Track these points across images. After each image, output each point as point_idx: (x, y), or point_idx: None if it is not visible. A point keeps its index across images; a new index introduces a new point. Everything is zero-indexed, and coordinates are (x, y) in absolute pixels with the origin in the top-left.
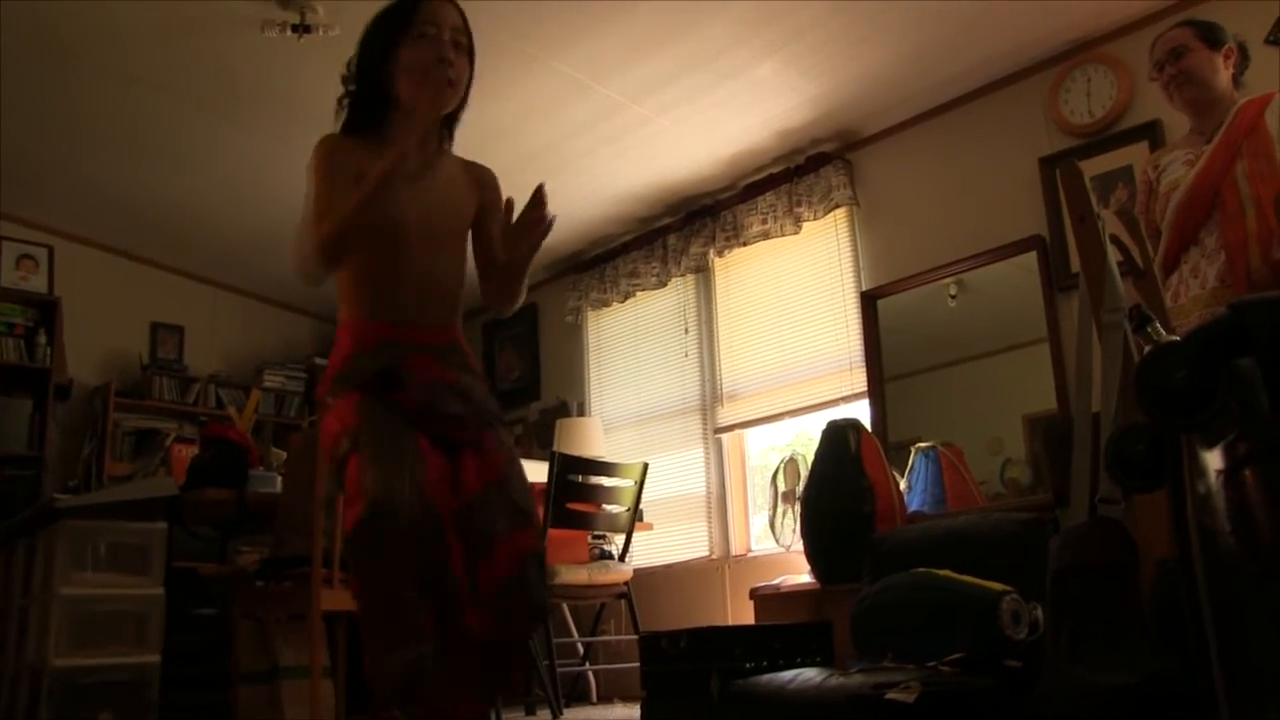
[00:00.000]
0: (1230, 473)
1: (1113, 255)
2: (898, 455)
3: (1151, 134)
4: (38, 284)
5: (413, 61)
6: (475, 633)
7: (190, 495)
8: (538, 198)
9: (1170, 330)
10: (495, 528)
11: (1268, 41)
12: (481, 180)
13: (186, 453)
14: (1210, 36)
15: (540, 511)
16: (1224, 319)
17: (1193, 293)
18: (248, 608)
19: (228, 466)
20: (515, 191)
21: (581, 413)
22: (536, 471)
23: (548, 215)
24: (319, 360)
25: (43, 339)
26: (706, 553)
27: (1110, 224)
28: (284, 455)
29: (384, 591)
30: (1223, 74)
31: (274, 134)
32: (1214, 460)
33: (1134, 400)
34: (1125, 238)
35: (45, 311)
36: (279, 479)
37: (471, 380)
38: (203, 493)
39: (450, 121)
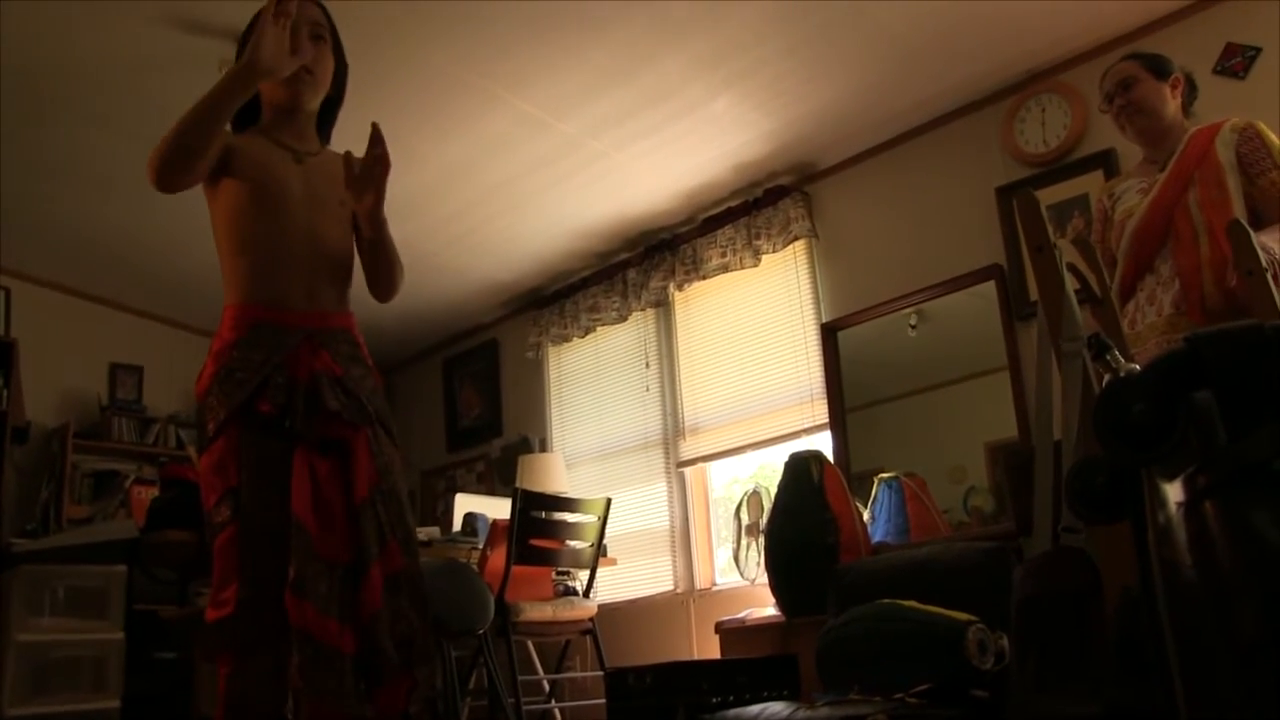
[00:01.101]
0: (1190, 505)
1: (1070, 284)
2: (861, 486)
3: (1106, 163)
4: None
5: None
6: (346, 650)
7: (150, 537)
8: (375, 135)
9: (1129, 358)
10: (369, 550)
11: (1216, 71)
12: (355, 161)
13: (146, 494)
14: (1157, 68)
15: (503, 548)
16: (1180, 352)
17: (1149, 320)
18: (209, 651)
19: (188, 507)
20: (471, 225)
21: (543, 448)
22: (499, 508)
23: (385, 153)
24: None
25: None
26: (671, 587)
27: (1067, 253)
28: None
29: (251, 691)
30: (1171, 104)
31: None
32: (1174, 493)
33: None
34: (1082, 266)
35: (2, 353)
36: None
37: (362, 373)
38: (163, 534)
39: (325, 120)
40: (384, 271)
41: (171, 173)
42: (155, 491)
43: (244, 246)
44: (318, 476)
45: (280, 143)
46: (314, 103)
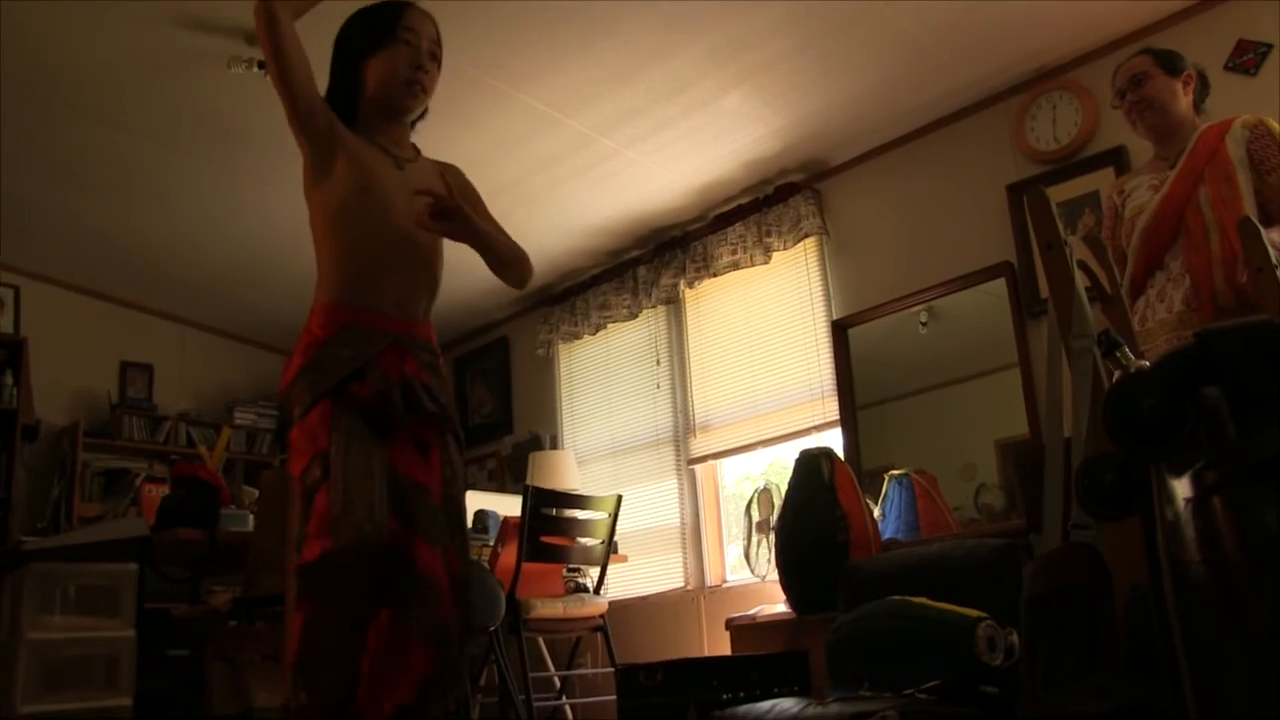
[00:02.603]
0: (1199, 501)
1: (1080, 281)
2: (871, 483)
3: (1117, 160)
4: (4, 324)
5: (390, 64)
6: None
7: (161, 535)
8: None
9: (1139, 355)
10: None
11: (1227, 68)
12: (449, 172)
13: (157, 492)
14: (1169, 64)
15: (514, 545)
16: (1190, 348)
17: (1159, 316)
18: (221, 649)
19: (199, 506)
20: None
21: (554, 446)
22: (510, 505)
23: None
24: None
25: (9, 380)
26: (682, 584)
27: (1078, 250)
28: (255, 493)
29: (328, 637)
30: (1183, 100)
31: (240, 170)
32: (1182, 489)
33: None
34: (1092, 263)
35: (12, 352)
36: (251, 517)
37: (439, 383)
38: (174, 533)
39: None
40: (504, 265)
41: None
42: (166, 490)
43: (345, 247)
44: (412, 464)
45: (382, 146)
46: (417, 112)
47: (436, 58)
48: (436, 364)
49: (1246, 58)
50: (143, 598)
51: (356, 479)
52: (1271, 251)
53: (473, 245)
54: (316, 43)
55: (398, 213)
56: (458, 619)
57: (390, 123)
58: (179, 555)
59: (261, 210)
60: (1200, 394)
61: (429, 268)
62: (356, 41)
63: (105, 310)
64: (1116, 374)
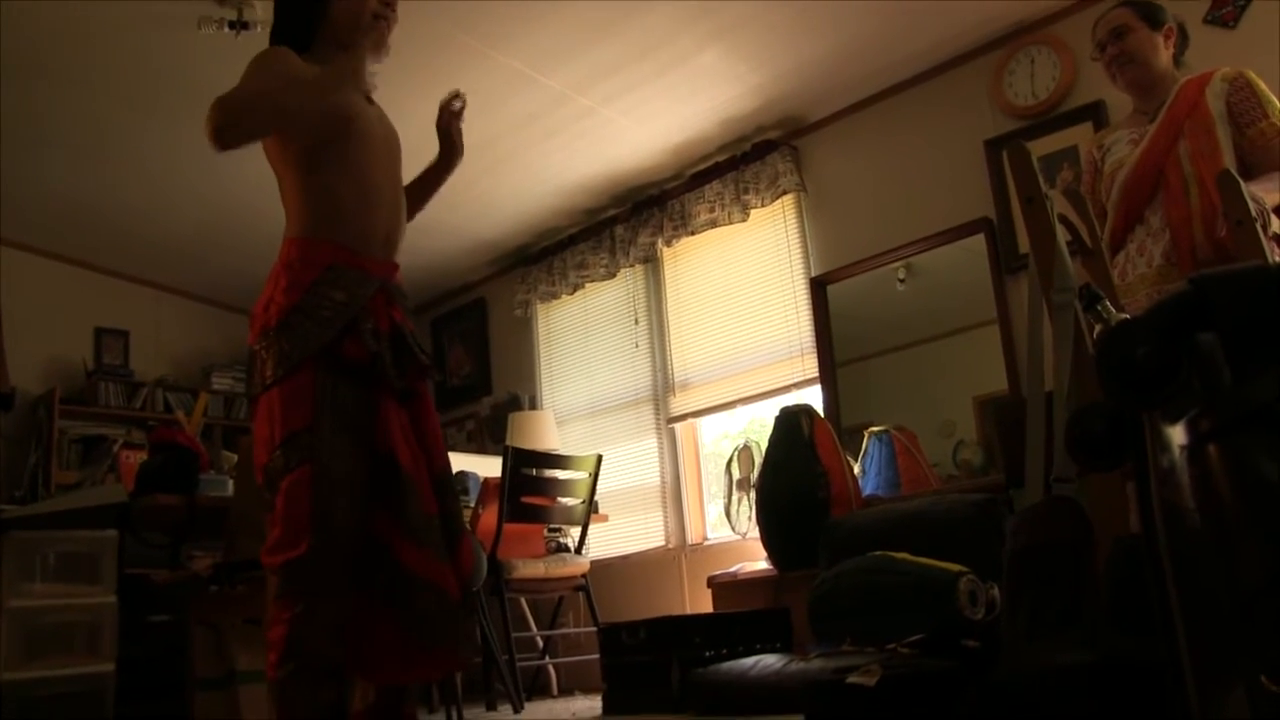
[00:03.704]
0: (1194, 449)
1: (1061, 235)
2: (851, 440)
3: (1095, 114)
4: None
5: (359, 3)
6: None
7: (140, 502)
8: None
9: (1119, 309)
10: (460, 516)
11: (1206, 21)
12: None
13: (135, 459)
14: (1151, 16)
15: (494, 506)
16: (1185, 294)
17: (1139, 271)
18: (202, 613)
19: (177, 471)
20: (457, 184)
21: (533, 406)
22: (490, 466)
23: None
24: None
25: None
26: (663, 542)
27: (1058, 204)
28: (234, 458)
29: (316, 633)
30: (1163, 54)
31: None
32: (1177, 437)
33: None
34: (1073, 217)
35: None
36: (230, 482)
37: (416, 328)
38: (153, 499)
39: None
40: (424, 202)
41: (255, 131)
42: (144, 456)
43: (330, 179)
44: (406, 427)
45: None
46: (380, 50)
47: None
48: (408, 308)
49: (1225, 10)
50: (123, 564)
51: (340, 467)
52: (1251, 204)
53: (447, 170)
54: None
55: (378, 146)
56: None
57: (358, 58)
58: (158, 521)
59: (236, 171)
60: (1195, 340)
61: (402, 206)
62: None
63: (79, 276)
64: (1098, 328)
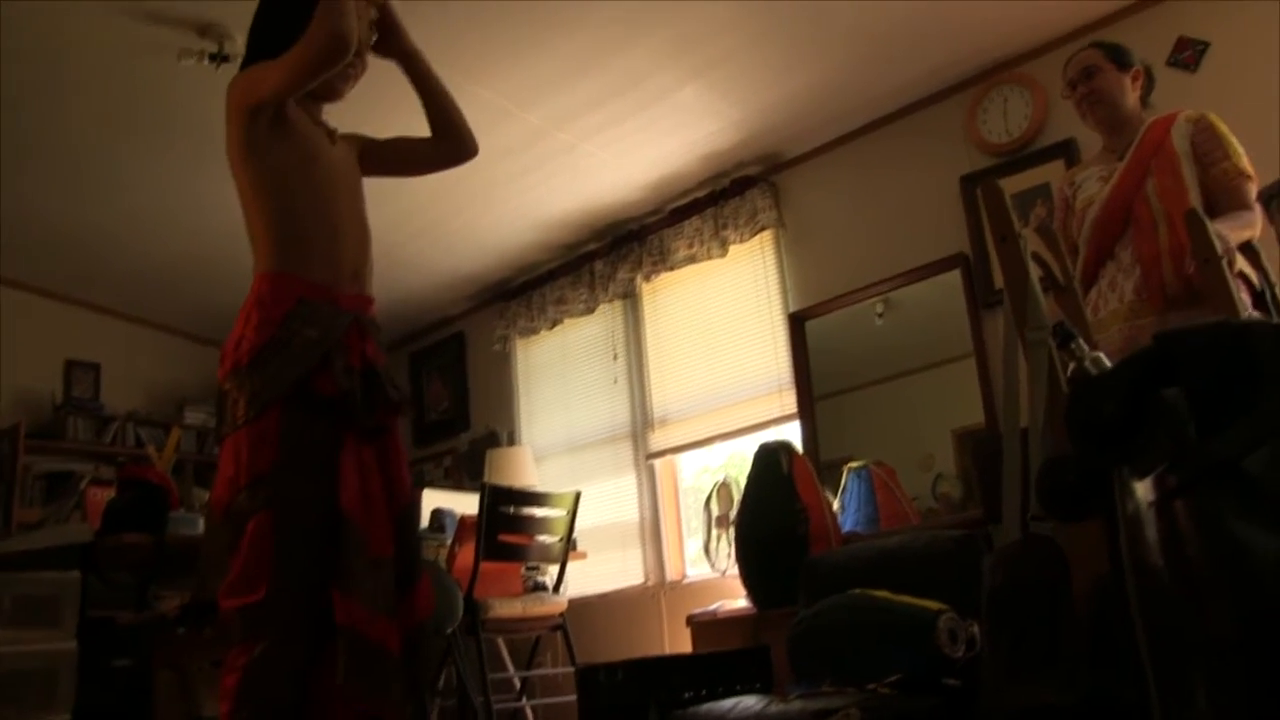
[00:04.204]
0: (1161, 504)
1: (1034, 273)
2: (830, 475)
3: (1067, 152)
4: None
5: None
6: (392, 648)
7: (106, 541)
8: None
9: (1093, 345)
10: (419, 558)
11: (1169, 64)
12: (354, 137)
13: (102, 495)
14: (1119, 58)
15: (471, 544)
16: (1149, 350)
17: (1111, 306)
18: (168, 657)
19: (146, 509)
20: (436, 218)
21: (512, 442)
22: (467, 503)
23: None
24: None
25: None
26: (642, 580)
27: (1032, 241)
28: (206, 495)
29: (275, 679)
30: (1131, 94)
31: (190, 164)
32: (1144, 492)
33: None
34: (1046, 254)
35: None
36: (201, 521)
37: (388, 363)
38: (119, 538)
39: None
40: (452, 107)
41: (330, 65)
42: (112, 493)
43: (297, 213)
44: (365, 468)
45: (314, 118)
46: (341, 98)
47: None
48: (381, 341)
49: (1186, 54)
50: (85, 606)
51: (303, 512)
52: (1217, 242)
53: (418, 61)
54: None
55: (341, 182)
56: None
57: (314, 100)
58: (125, 561)
59: (216, 201)
60: (1161, 396)
61: (369, 240)
62: (294, 14)
63: (50, 308)
64: (1071, 365)
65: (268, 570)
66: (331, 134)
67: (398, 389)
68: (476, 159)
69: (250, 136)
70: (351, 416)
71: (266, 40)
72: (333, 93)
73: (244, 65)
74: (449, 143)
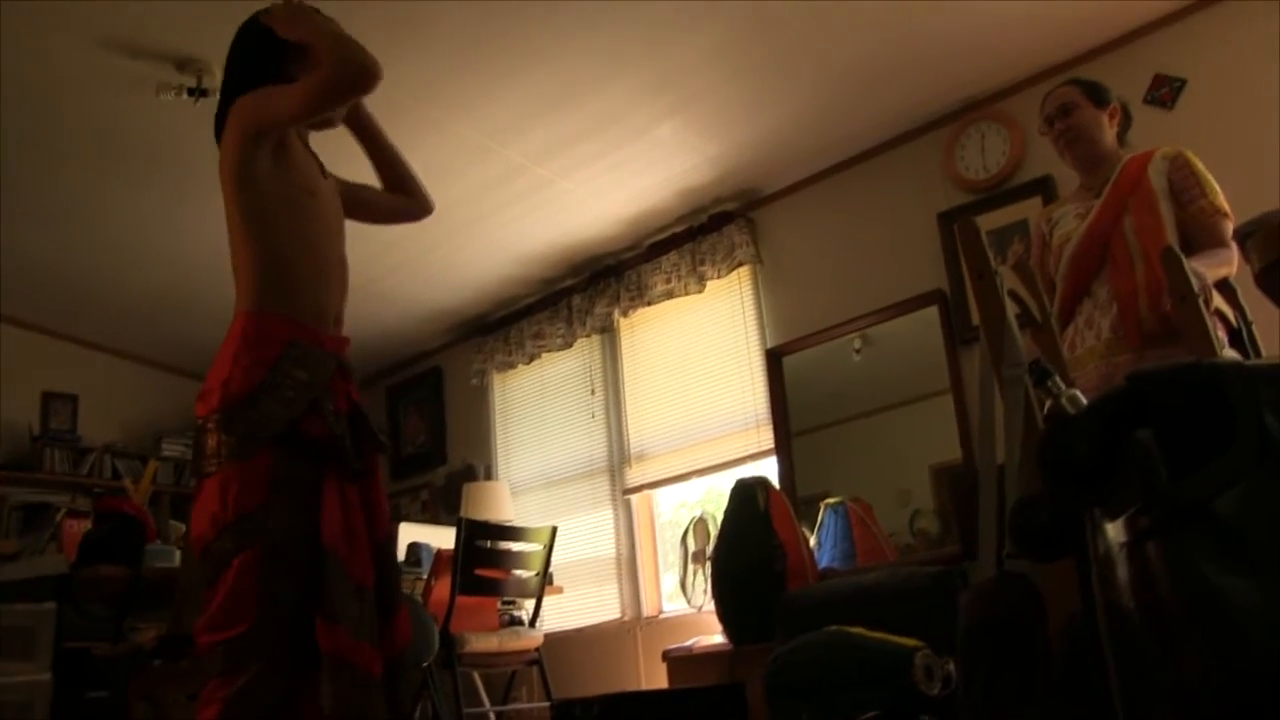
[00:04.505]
0: (1133, 545)
1: (1011, 309)
2: (807, 511)
3: (1044, 188)
4: None
5: None
6: (376, 674)
7: (82, 573)
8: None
9: (1069, 382)
10: (398, 589)
11: (1146, 101)
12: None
13: (79, 527)
14: (1096, 95)
15: (447, 578)
16: (1121, 391)
17: (1088, 343)
18: (144, 689)
19: (123, 541)
20: (414, 252)
21: (489, 476)
22: (443, 537)
23: None
24: None
25: None
26: (618, 615)
27: (1008, 279)
28: (183, 528)
29: (247, 713)
30: (1108, 132)
31: (169, 197)
32: (1116, 533)
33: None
34: (1022, 291)
35: None
36: (177, 553)
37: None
38: (95, 569)
39: None
40: (406, 168)
41: (358, 93)
42: (89, 524)
43: (288, 252)
44: (347, 503)
45: (308, 149)
46: (335, 126)
47: None
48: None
49: (1163, 91)
50: (61, 638)
51: (289, 549)
52: (1193, 280)
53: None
54: None
55: (332, 219)
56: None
57: (308, 129)
58: (101, 593)
59: (197, 234)
60: (1133, 437)
61: (347, 285)
62: (279, 42)
63: (27, 339)
64: (1048, 403)
65: (252, 605)
66: (322, 167)
67: (380, 430)
68: (456, 193)
69: (250, 162)
70: (341, 460)
71: (257, 66)
72: (328, 123)
73: (225, 94)
74: (406, 201)
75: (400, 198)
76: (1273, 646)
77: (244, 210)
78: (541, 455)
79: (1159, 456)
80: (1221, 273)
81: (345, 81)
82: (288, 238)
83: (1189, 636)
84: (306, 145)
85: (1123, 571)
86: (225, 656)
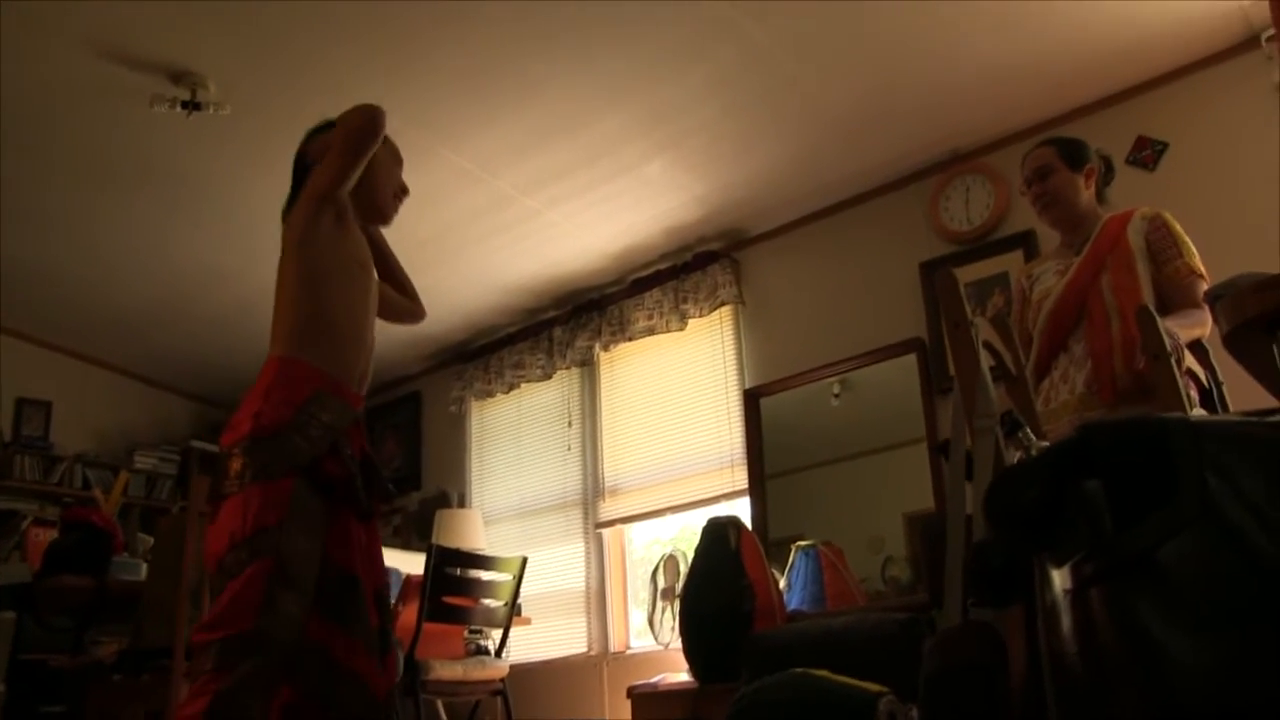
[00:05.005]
0: (1077, 593)
1: (985, 361)
2: (778, 553)
3: (1026, 243)
4: None
5: (389, 173)
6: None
7: (45, 583)
8: None
9: (1041, 435)
10: (392, 631)
11: (1128, 162)
12: None
13: (45, 536)
14: (1072, 157)
15: (415, 604)
16: (1070, 441)
17: (1063, 398)
18: (101, 704)
19: (89, 552)
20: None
21: (462, 504)
22: (413, 563)
23: None
24: (195, 443)
25: None
26: (585, 649)
27: (984, 330)
28: (150, 541)
29: (235, 707)
30: (1084, 193)
31: (158, 210)
32: (1062, 580)
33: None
34: (998, 344)
35: None
36: (144, 566)
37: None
38: (59, 579)
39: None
40: (405, 277)
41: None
42: (55, 534)
43: (335, 315)
44: (359, 542)
45: (363, 229)
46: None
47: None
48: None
49: (1145, 153)
50: (19, 649)
51: (297, 566)
52: (1167, 339)
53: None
54: None
55: (372, 293)
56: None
57: (367, 216)
58: (64, 603)
59: (182, 249)
60: (1081, 486)
61: (373, 349)
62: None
63: (3, 344)
64: (1018, 454)
65: (254, 611)
66: (399, 270)
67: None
68: (444, 220)
69: (316, 224)
70: (354, 499)
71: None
72: (383, 218)
73: (293, 197)
74: (410, 305)
75: (406, 301)
76: (1207, 699)
77: (300, 270)
78: (516, 485)
79: (1105, 506)
80: (1195, 333)
81: (355, 130)
82: (337, 299)
83: (1127, 685)
84: (364, 229)
85: (1067, 619)
86: (219, 654)
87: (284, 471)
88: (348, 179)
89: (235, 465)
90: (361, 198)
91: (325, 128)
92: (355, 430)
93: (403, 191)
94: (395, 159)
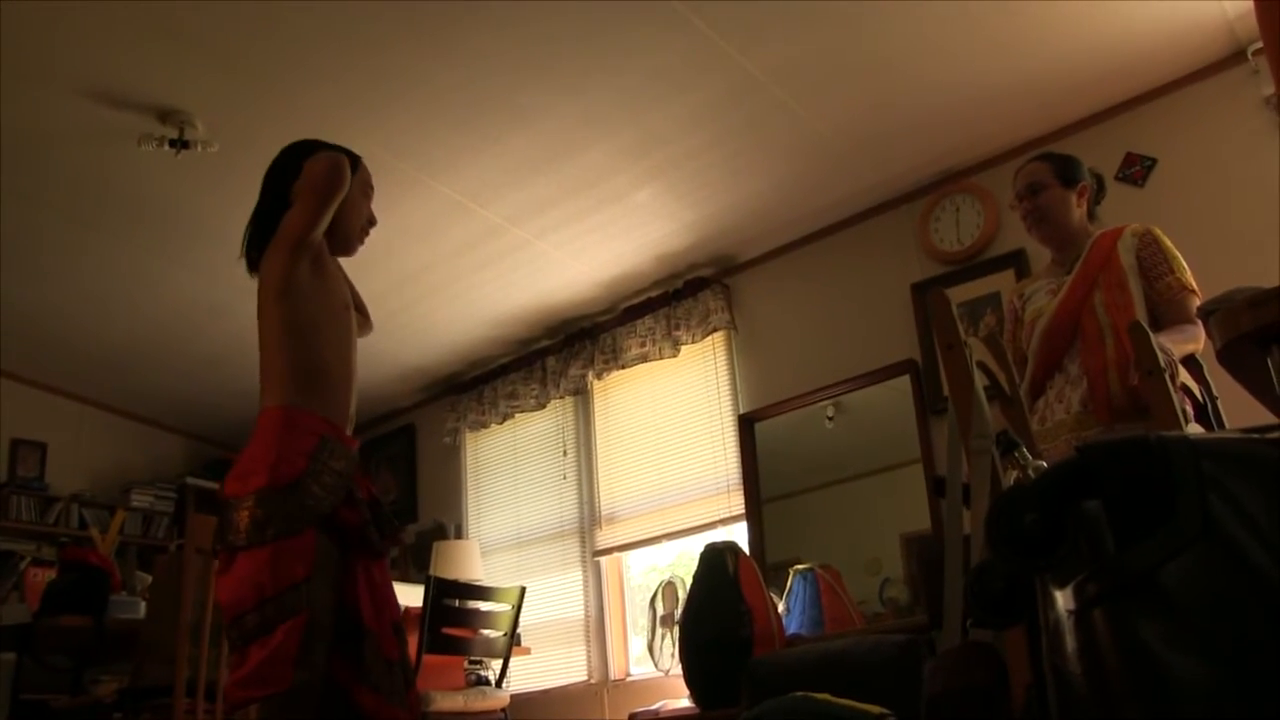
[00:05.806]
0: (1080, 614)
1: (980, 381)
2: (776, 577)
3: (1017, 262)
4: None
5: (356, 209)
6: None
7: (44, 623)
8: None
9: (1037, 454)
10: (411, 664)
11: (1118, 178)
12: None
13: (43, 576)
14: (1064, 174)
15: (414, 636)
16: (1069, 462)
17: (1058, 417)
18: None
19: (87, 591)
20: (390, 310)
21: (459, 535)
22: (412, 595)
23: None
24: (190, 480)
25: None
26: (585, 677)
27: (978, 350)
28: (149, 579)
29: None
30: (1075, 211)
31: (148, 250)
32: (1065, 601)
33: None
34: (992, 364)
35: None
36: (142, 605)
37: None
38: (57, 620)
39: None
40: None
41: (336, 186)
42: (53, 574)
43: (324, 359)
44: (372, 582)
45: (343, 272)
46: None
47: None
48: None
49: (1135, 169)
50: (19, 689)
51: (324, 617)
52: (1160, 355)
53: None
54: None
55: (353, 335)
56: None
57: (340, 251)
58: (63, 643)
59: (171, 288)
60: (1081, 507)
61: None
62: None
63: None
64: (1015, 474)
65: (291, 667)
66: (351, 286)
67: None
68: (435, 252)
69: (294, 273)
70: (369, 545)
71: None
72: (348, 250)
73: (252, 240)
74: (363, 320)
75: (358, 315)
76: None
77: (283, 319)
78: (512, 515)
79: (1106, 526)
80: (1188, 348)
81: (321, 179)
82: (326, 345)
83: (1131, 706)
84: (339, 268)
85: (1070, 640)
86: (268, 711)
87: (307, 523)
88: (318, 225)
89: (246, 516)
90: (330, 232)
91: (301, 147)
92: (358, 471)
93: (370, 223)
94: (364, 192)
